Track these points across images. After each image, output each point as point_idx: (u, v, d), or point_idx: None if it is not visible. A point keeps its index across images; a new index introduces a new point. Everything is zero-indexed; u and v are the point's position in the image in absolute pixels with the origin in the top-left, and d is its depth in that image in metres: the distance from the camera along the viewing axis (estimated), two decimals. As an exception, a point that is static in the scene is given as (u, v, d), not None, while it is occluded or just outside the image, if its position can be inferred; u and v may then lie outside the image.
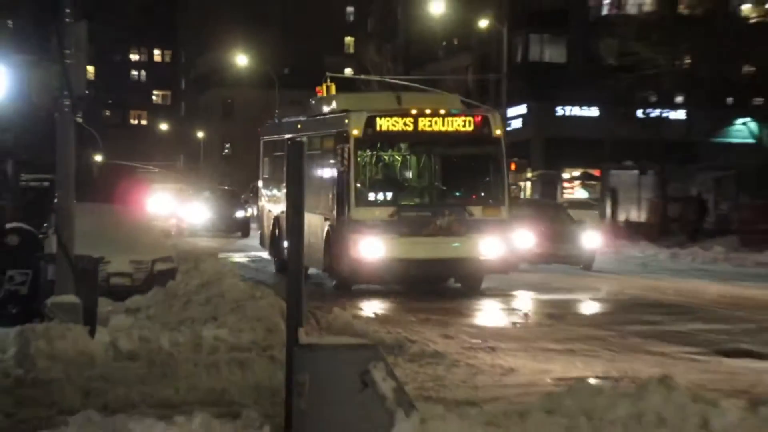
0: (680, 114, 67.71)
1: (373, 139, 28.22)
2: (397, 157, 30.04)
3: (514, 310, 27.92)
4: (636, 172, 66.78)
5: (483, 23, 78.46)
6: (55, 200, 18.89)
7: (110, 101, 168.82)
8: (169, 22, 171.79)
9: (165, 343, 15.96)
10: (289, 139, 32.13)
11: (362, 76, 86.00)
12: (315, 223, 29.28)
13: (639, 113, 63.28)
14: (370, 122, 27.38)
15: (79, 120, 20.46)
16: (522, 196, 64.05)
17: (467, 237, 28.29)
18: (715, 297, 31.65)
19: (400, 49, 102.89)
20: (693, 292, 33.20)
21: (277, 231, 34.69)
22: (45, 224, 20.46)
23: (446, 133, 28.42)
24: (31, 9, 59.85)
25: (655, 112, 64.06)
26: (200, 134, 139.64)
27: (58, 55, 17.80)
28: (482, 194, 29.86)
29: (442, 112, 28.24)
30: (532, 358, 19.12)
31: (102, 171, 72.72)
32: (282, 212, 32.82)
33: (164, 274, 22.80)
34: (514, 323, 25.54)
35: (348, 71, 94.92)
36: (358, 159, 27.77)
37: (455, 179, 30.01)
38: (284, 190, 29.80)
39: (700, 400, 10.70)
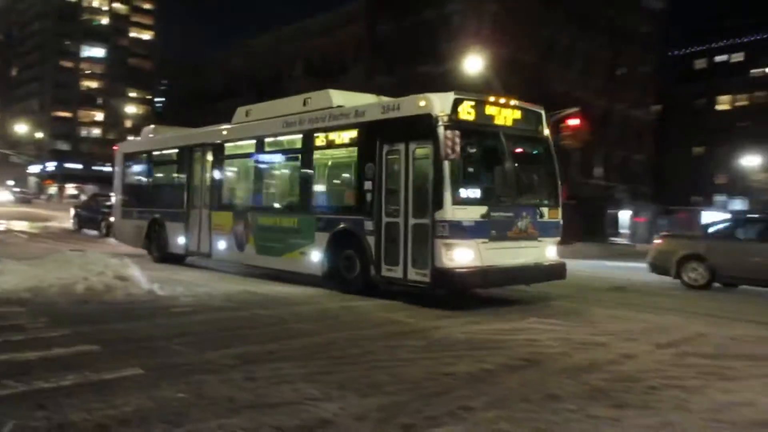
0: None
1: (459, 126, 11.16)
2: (479, 151, 12.22)
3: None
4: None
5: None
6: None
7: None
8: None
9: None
10: (220, 143, 16.23)
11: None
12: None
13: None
14: (457, 105, 11.46)
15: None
16: None
17: (539, 240, 12.47)
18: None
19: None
20: None
21: (152, 232, 18.14)
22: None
23: (516, 126, 12.38)
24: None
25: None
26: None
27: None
28: (546, 194, 13.01)
29: (513, 103, 12.40)
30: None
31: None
32: (158, 215, 17.98)
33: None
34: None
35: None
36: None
37: (524, 176, 12.92)
38: (161, 195, 18.29)
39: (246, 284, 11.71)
